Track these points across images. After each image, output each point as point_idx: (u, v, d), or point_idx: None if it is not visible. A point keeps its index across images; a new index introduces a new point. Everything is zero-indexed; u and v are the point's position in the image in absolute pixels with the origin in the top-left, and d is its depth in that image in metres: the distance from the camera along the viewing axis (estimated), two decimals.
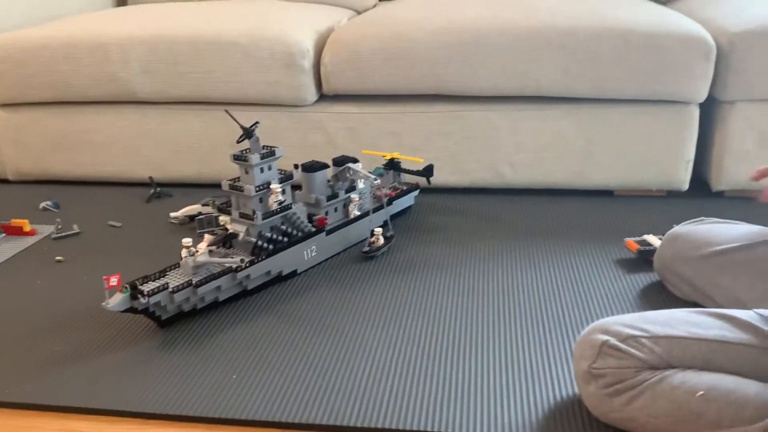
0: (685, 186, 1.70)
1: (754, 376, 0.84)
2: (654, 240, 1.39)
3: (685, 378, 0.84)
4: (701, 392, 0.81)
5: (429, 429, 0.92)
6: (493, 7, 1.71)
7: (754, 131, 1.61)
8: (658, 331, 0.87)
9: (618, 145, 1.67)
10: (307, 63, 1.70)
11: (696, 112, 1.64)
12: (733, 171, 1.65)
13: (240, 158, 1.28)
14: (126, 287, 1.10)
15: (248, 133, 1.27)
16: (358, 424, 0.93)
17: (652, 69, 1.57)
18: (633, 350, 0.86)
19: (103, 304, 1.08)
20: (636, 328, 0.87)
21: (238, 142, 1.28)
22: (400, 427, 0.92)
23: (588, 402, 0.91)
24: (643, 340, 0.86)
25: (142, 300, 1.10)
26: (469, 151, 1.72)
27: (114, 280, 1.07)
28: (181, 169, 1.87)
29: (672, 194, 1.73)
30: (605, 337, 0.87)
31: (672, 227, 1.26)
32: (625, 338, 0.86)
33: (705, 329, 0.87)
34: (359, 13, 2.18)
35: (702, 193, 1.72)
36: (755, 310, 0.89)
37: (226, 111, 1.33)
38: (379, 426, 0.92)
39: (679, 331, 0.87)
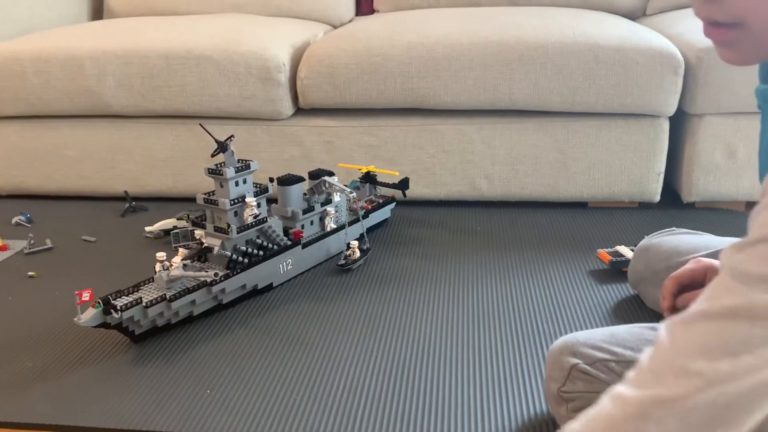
0: (657, 197, 1.73)
1: None
2: (626, 251, 1.41)
3: None
4: None
5: None
6: (465, 23, 1.73)
7: (722, 144, 1.65)
8: (627, 355, 0.86)
9: (591, 158, 1.70)
10: (284, 77, 1.71)
11: (666, 125, 1.68)
12: (702, 183, 1.69)
13: (215, 172, 1.28)
14: (98, 302, 1.09)
15: (223, 147, 1.27)
16: None
17: (621, 83, 1.60)
18: (602, 375, 0.85)
19: (75, 319, 1.07)
20: (605, 351, 0.86)
21: (213, 155, 1.28)
22: None
23: (560, 422, 0.91)
24: (612, 365, 0.85)
25: (115, 315, 1.09)
26: (444, 164, 1.74)
27: (86, 295, 1.06)
28: (155, 183, 1.86)
29: (644, 206, 1.76)
30: (575, 360, 0.86)
31: (643, 238, 1.28)
32: (594, 362, 0.86)
33: None
34: (335, 27, 2.20)
35: (673, 205, 1.75)
36: None
37: (201, 125, 1.33)
38: None
39: None
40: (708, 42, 1.57)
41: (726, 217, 1.67)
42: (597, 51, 1.60)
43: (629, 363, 0.85)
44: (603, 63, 1.60)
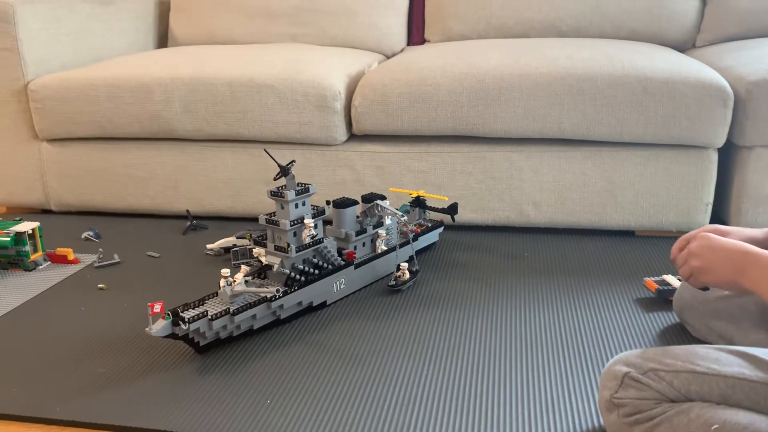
0: None
1: None
2: (673, 280, 1.42)
3: (701, 412, 0.87)
4: (716, 426, 0.85)
5: None
6: (514, 54, 1.79)
7: None
8: (678, 366, 0.91)
9: (638, 187, 1.72)
10: (339, 105, 1.79)
11: (714, 156, 1.69)
12: (752, 214, 1.69)
13: (276, 194, 1.35)
14: (168, 314, 1.16)
15: (285, 171, 1.35)
16: None
17: (670, 114, 1.63)
18: (653, 383, 0.90)
19: (147, 329, 1.15)
20: (657, 361, 0.92)
21: (275, 179, 1.35)
22: None
23: (609, 430, 0.95)
24: (663, 374, 0.90)
25: (183, 326, 1.16)
26: (492, 190, 1.79)
27: (158, 307, 1.13)
28: (215, 203, 1.95)
29: None
30: (627, 369, 0.92)
31: None
32: (646, 371, 0.91)
33: (724, 366, 0.91)
34: (388, 57, 2.28)
35: None
36: None
37: (266, 150, 1.40)
38: None
39: (699, 367, 0.91)
40: (758, 75, 1.60)
41: None
42: (646, 83, 1.63)
43: (678, 373, 0.89)
44: (651, 95, 1.63)
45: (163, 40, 2.54)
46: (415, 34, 2.39)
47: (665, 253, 1.66)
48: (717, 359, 0.92)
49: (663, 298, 1.41)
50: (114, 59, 2.14)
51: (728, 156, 1.73)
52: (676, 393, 0.89)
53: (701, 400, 0.89)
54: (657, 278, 1.45)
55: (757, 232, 1.09)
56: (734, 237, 1.06)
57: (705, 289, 1.11)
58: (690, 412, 0.88)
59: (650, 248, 1.69)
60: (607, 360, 1.19)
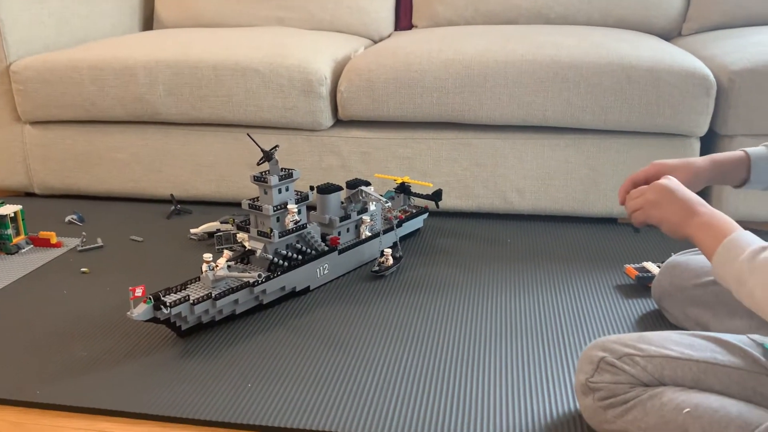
0: None
1: (741, 396, 0.89)
2: (653, 267, 1.44)
3: (674, 396, 0.89)
4: (688, 409, 0.87)
5: None
6: (501, 41, 1.79)
7: None
8: (652, 351, 0.93)
9: (621, 175, 1.73)
10: (325, 90, 1.78)
11: (696, 145, 1.71)
12: (733, 202, 1.71)
13: (260, 179, 1.35)
14: (150, 298, 1.16)
15: (268, 156, 1.34)
16: None
17: (653, 103, 1.64)
18: (628, 367, 0.92)
19: (128, 313, 1.15)
20: (632, 347, 0.93)
21: (259, 164, 1.35)
22: None
23: (585, 413, 0.97)
24: (638, 359, 0.92)
25: (165, 311, 1.17)
26: (477, 176, 1.79)
27: (139, 291, 1.14)
28: (200, 188, 1.95)
29: None
30: (603, 354, 0.94)
31: (671, 255, 1.32)
32: (621, 356, 0.93)
33: (697, 351, 0.93)
34: (375, 42, 2.27)
35: None
36: (749, 335, 0.94)
37: (249, 135, 1.40)
38: None
39: (673, 352, 0.92)
40: (741, 65, 1.61)
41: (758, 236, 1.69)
42: (630, 71, 1.64)
43: (653, 358, 0.91)
44: (635, 83, 1.64)
45: (148, 22, 2.51)
46: (403, 19, 2.38)
47: (646, 240, 1.68)
48: (691, 344, 0.93)
49: (642, 285, 1.43)
50: (98, 41, 2.12)
51: (710, 145, 1.74)
52: (649, 377, 0.91)
53: (674, 385, 0.91)
54: (637, 265, 1.47)
55: (701, 162, 1.09)
56: (681, 170, 1.08)
57: (636, 231, 1.11)
58: (663, 396, 0.89)
59: (632, 236, 1.71)
60: (586, 345, 1.20)
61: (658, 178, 1.03)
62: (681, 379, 0.91)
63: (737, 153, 1.11)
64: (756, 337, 0.94)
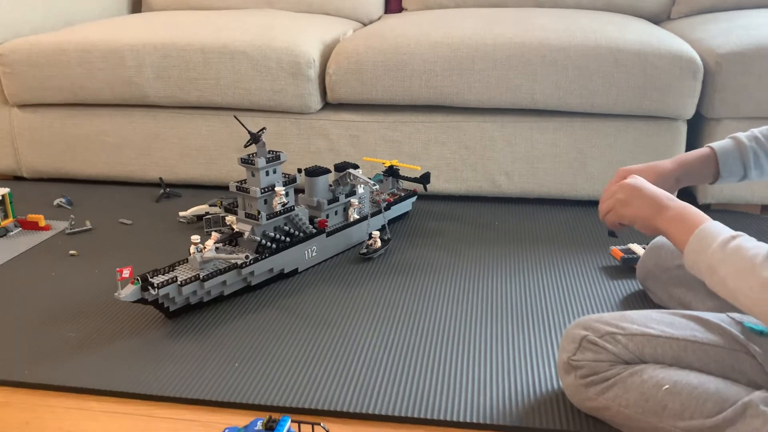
0: None
1: (719, 373, 0.91)
2: (638, 249, 1.46)
3: (654, 373, 0.91)
4: (667, 386, 0.89)
5: (417, 415, 0.99)
6: (490, 24, 1.79)
7: None
8: (633, 329, 0.94)
9: (609, 158, 1.74)
10: (313, 72, 1.78)
11: (683, 128, 1.72)
12: (718, 185, 1.72)
13: (247, 161, 1.35)
14: (137, 279, 1.17)
15: (255, 138, 1.35)
16: (351, 410, 1.00)
17: (640, 86, 1.65)
18: (609, 345, 0.93)
19: (116, 294, 1.16)
20: (613, 325, 0.95)
21: (246, 146, 1.35)
22: (390, 413, 0.99)
23: (567, 391, 0.98)
24: (619, 337, 0.94)
25: (152, 292, 1.17)
26: (465, 160, 1.80)
27: (126, 272, 1.14)
28: (189, 171, 1.94)
29: None
30: (585, 332, 0.95)
31: (655, 237, 1.33)
32: (603, 334, 0.94)
33: (677, 329, 0.94)
34: (365, 24, 2.27)
35: None
36: (728, 313, 0.96)
37: (235, 117, 1.40)
38: (371, 412, 1.00)
39: (653, 330, 0.94)
40: (727, 48, 1.62)
41: (741, 219, 1.71)
42: (618, 54, 1.64)
43: (634, 336, 0.92)
44: (623, 66, 1.64)
45: (137, 5, 2.49)
46: (393, 2, 2.37)
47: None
48: (671, 323, 0.95)
49: (628, 266, 1.45)
50: (85, 24, 2.10)
51: (697, 128, 1.75)
52: (630, 355, 0.93)
53: (654, 362, 0.92)
54: (623, 247, 1.49)
55: (666, 164, 1.12)
56: (646, 172, 1.10)
57: (613, 235, 1.14)
58: (643, 374, 0.91)
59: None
60: (569, 324, 1.22)
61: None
62: (661, 357, 0.93)
63: (703, 150, 1.13)
64: (735, 315, 0.95)
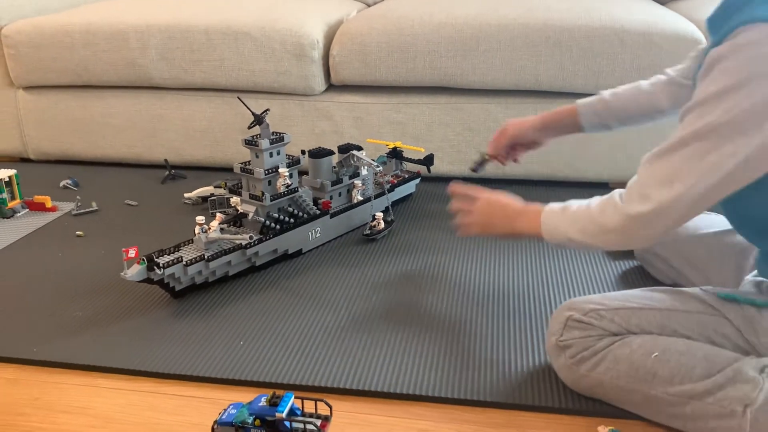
0: None
1: (704, 338, 0.93)
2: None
3: (642, 342, 0.93)
4: (656, 353, 0.90)
5: (418, 392, 1.00)
6: (494, 4, 1.78)
7: None
8: (615, 304, 0.97)
9: (612, 140, 1.74)
10: (317, 54, 1.78)
11: None
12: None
13: (251, 143, 1.36)
14: (143, 259, 1.18)
15: (259, 120, 1.35)
16: (353, 387, 1.02)
17: (645, 66, 1.64)
18: (595, 321, 0.96)
19: (122, 274, 1.17)
20: (596, 302, 0.98)
21: (250, 127, 1.36)
22: (391, 390, 1.01)
23: (560, 374, 1.00)
24: (603, 312, 0.96)
25: (158, 271, 1.19)
26: (469, 141, 1.80)
27: (132, 252, 1.15)
28: (193, 152, 1.95)
29: None
30: (569, 312, 0.98)
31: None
32: (587, 312, 0.96)
33: (657, 302, 0.98)
34: (369, 5, 2.26)
35: None
36: (701, 287, 0.99)
37: (239, 98, 1.40)
38: (372, 389, 1.01)
39: (635, 304, 0.97)
40: None
41: None
42: (622, 35, 1.63)
43: (618, 310, 0.95)
44: (628, 46, 1.63)
45: None
46: None
47: None
48: (651, 297, 0.98)
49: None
50: (89, 5, 2.10)
51: None
52: (618, 327, 0.95)
53: (641, 332, 0.94)
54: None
55: (533, 117, 1.30)
56: (514, 124, 1.31)
57: (476, 171, 1.41)
58: (632, 344, 0.93)
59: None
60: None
61: (510, 134, 1.30)
62: (647, 326, 0.95)
63: (568, 106, 1.27)
64: (708, 288, 0.98)
